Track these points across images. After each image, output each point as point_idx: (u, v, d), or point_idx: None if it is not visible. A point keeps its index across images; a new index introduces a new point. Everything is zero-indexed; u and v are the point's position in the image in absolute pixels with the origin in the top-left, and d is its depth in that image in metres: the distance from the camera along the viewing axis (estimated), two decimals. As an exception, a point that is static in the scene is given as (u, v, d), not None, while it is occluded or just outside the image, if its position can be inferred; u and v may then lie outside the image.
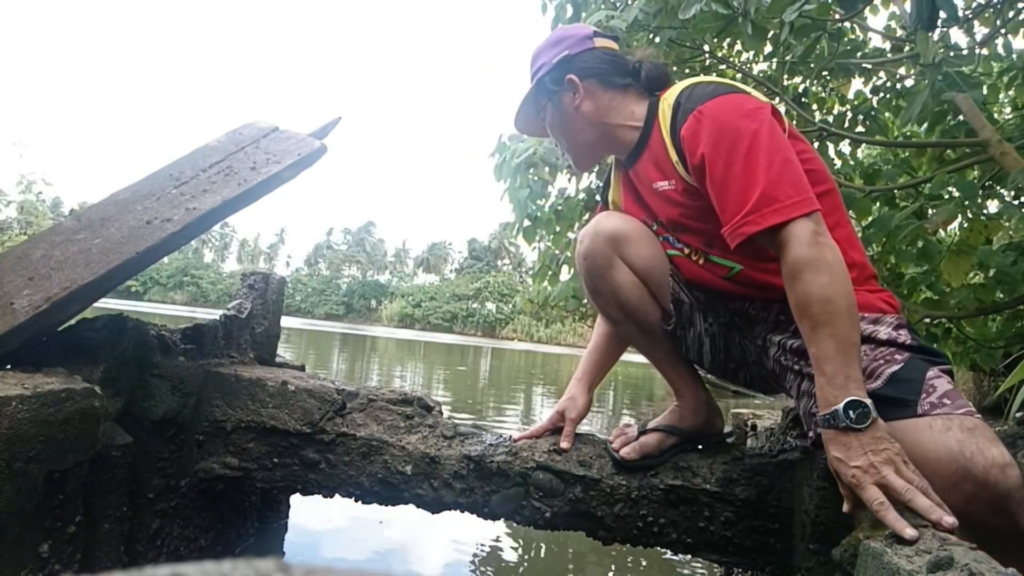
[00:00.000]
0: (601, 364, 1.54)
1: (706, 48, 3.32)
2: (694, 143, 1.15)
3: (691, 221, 1.28)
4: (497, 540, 2.19)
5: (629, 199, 1.44)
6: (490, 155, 3.83)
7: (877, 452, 0.95)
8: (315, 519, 2.18)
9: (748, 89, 1.21)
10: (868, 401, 0.98)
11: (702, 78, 1.31)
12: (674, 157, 1.24)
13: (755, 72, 3.91)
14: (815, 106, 3.89)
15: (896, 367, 1.10)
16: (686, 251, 1.34)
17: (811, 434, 1.15)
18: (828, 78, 3.54)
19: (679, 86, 1.27)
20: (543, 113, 1.40)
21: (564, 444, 1.39)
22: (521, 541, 2.22)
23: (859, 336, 1.03)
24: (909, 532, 0.85)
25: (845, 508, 1.01)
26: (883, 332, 1.15)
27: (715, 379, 1.48)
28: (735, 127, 1.11)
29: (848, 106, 3.76)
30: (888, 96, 3.60)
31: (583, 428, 1.48)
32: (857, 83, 3.65)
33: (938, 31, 2.54)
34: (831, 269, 1.02)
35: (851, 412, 0.97)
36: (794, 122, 2.89)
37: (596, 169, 4.00)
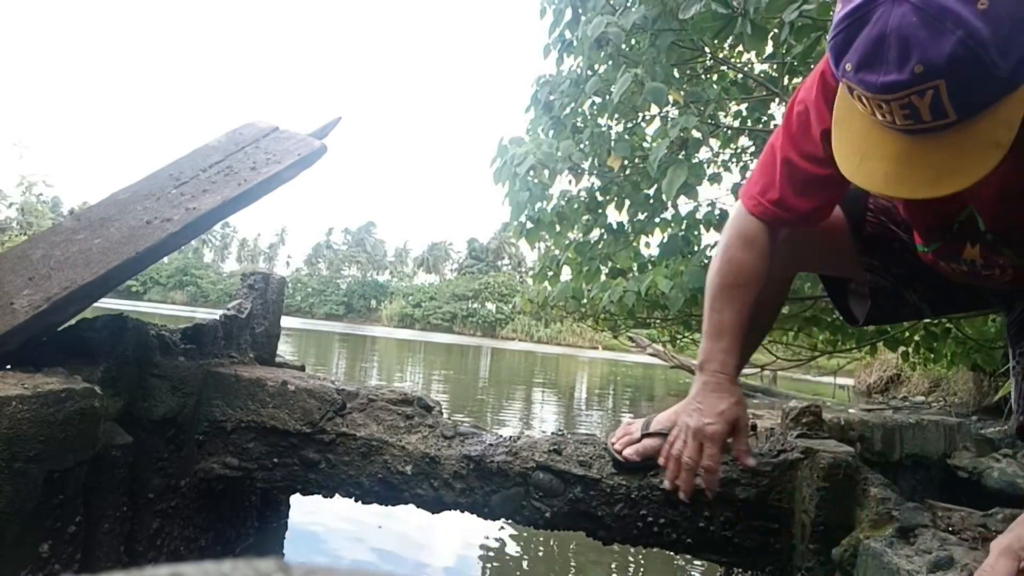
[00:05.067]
0: (743, 345, 1.25)
1: (707, 49, 3.32)
2: None
3: None
4: (498, 540, 2.19)
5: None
6: (491, 162, 3.83)
7: None
8: (315, 519, 2.18)
9: None
10: None
11: None
12: None
13: (756, 73, 3.91)
14: (815, 106, 3.89)
15: None
16: (999, 271, 1.03)
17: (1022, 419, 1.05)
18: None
19: None
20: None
21: (750, 461, 1.19)
22: (521, 541, 2.22)
23: None
24: None
25: None
26: None
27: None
28: None
29: (848, 106, 3.76)
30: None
31: (583, 428, 1.47)
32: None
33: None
34: None
35: None
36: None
37: (597, 170, 4.00)
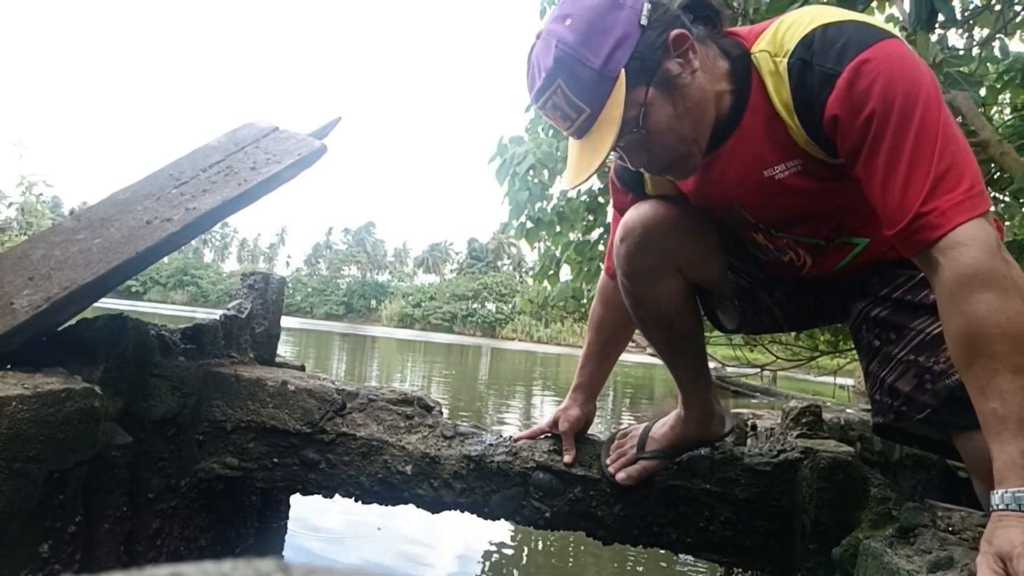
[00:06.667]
0: (597, 373, 1.44)
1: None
2: (860, 100, 0.86)
3: (819, 208, 1.05)
4: (497, 540, 2.19)
5: (698, 191, 1.14)
6: (490, 160, 3.83)
7: None
8: (315, 520, 2.18)
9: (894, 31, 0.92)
10: None
11: (816, 11, 0.95)
12: (794, 125, 0.95)
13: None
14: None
15: None
16: (793, 255, 1.15)
17: (880, 419, 1.08)
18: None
19: (780, 29, 0.96)
20: (642, 113, 0.94)
21: (567, 458, 1.36)
22: (520, 541, 2.22)
23: None
24: None
25: None
26: None
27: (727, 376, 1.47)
28: (914, 85, 0.85)
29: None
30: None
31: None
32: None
33: (936, 33, 2.54)
34: (1022, 292, 0.80)
35: None
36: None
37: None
